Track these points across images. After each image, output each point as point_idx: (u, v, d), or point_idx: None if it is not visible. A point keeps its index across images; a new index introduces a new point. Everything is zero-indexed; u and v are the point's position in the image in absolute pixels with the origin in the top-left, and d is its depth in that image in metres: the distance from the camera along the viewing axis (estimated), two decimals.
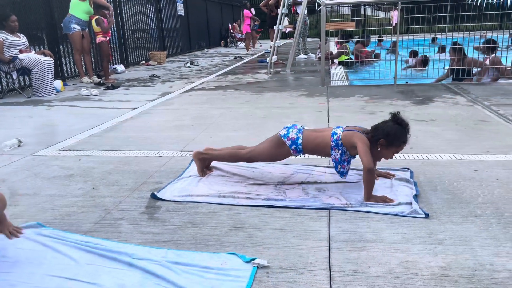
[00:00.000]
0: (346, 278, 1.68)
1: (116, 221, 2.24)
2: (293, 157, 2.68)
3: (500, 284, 1.60)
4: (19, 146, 3.73)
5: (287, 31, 13.66)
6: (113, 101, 5.99)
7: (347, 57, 8.94)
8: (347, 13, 22.20)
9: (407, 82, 6.66)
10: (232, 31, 19.41)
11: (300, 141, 2.53)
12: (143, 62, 11.53)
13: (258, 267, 1.76)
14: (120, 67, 9.67)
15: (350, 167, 2.66)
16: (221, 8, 20.12)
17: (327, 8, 7.02)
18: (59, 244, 1.96)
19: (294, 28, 9.81)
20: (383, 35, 12.46)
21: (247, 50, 14.69)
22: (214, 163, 2.92)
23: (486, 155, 3.06)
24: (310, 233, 2.04)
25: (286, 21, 9.84)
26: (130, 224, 2.20)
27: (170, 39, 14.12)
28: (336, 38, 10.56)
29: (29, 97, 6.42)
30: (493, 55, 6.52)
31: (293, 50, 8.56)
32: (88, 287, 1.67)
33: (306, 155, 3.20)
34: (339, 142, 2.46)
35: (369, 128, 2.58)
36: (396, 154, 3.13)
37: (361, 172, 2.44)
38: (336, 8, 22.53)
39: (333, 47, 11.71)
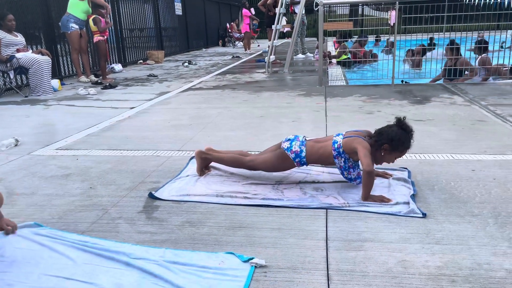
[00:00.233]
0: (343, 277, 1.68)
1: (114, 221, 2.24)
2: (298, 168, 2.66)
3: (497, 284, 1.61)
4: (16, 145, 3.72)
5: (285, 31, 13.67)
6: (110, 100, 5.98)
7: (346, 56, 8.95)
8: (345, 13, 22.23)
9: (402, 81, 6.67)
10: (230, 30, 19.40)
11: (304, 154, 2.53)
12: (141, 61, 11.52)
13: (256, 266, 1.76)
14: (117, 67, 9.65)
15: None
16: (219, 7, 20.11)
17: (325, 8, 7.01)
18: (56, 243, 1.96)
19: (292, 27, 9.82)
20: (380, 35, 12.48)
21: (245, 50, 14.69)
22: (212, 163, 2.92)
23: (483, 155, 3.07)
24: (308, 233, 2.04)
25: (284, 20, 9.86)
26: (127, 224, 2.20)
27: (168, 38, 14.11)
28: (334, 38, 10.56)
29: (26, 96, 6.41)
30: (484, 55, 6.55)
31: (291, 50, 8.57)
32: (85, 287, 1.67)
33: None
34: (341, 150, 2.46)
35: (367, 129, 2.60)
36: None
37: (361, 172, 2.45)
38: (334, 8, 22.55)
39: (331, 47, 11.72)
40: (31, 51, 6.78)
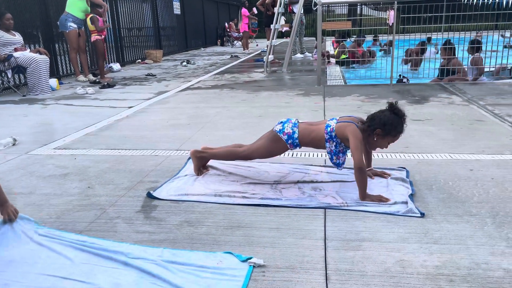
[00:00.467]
0: (342, 277, 1.68)
1: (112, 220, 2.24)
2: (290, 151, 2.67)
3: (495, 283, 1.61)
4: (14, 144, 3.71)
5: (283, 30, 13.67)
6: (108, 99, 5.98)
7: (344, 56, 8.96)
8: (343, 13, 22.24)
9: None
10: (228, 30, 19.39)
11: (296, 135, 2.54)
12: (139, 60, 11.50)
13: (254, 266, 1.76)
14: (116, 66, 9.64)
15: (347, 166, 2.67)
16: (218, 6, 20.10)
17: (324, 8, 7.02)
18: (54, 243, 1.95)
19: (291, 27, 9.81)
20: (379, 35, 12.49)
21: (244, 49, 14.68)
22: (210, 162, 2.92)
23: (481, 155, 3.07)
24: (306, 232, 2.04)
25: (282, 20, 9.84)
26: (126, 223, 2.20)
27: (166, 37, 14.09)
28: (333, 37, 10.57)
29: (24, 96, 6.39)
30: (477, 54, 6.57)
31: (289, 49, 8.57)
32: (83, 287, 1.66)
33: (303, 154, 3.21)
34: (333, 134, 2.46)
35: (361, 116, 2.59)
36: (392, 154, 3.15)
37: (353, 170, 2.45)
38: (333, 7, 22.56)
39: (329, 47, 11.72)
40: (29, 50, 6.76)
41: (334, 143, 2.48)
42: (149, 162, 3.14)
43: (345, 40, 9.66)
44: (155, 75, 8.53)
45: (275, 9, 8.75)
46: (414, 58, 8.16)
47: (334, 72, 8.22)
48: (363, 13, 22.01)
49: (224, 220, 2.20)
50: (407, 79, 6.73)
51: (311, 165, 2.94)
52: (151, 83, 7.54)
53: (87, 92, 6.47)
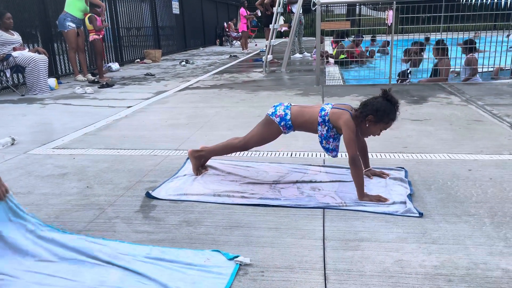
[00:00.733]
0: (340, 277, 1.68)
1: (111, 220, 2.24)
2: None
3: (494, 283, 1.61)
4: (12, 144, 3.71)
5: (282, 30, 13.67)
6: (107, 99, 5.97)
7: (343, 56, 8.97)
8: (342, 13, 22.25)
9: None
10: (227, 29, 19.38)
11: (288, 117, 2.54)
12: (138, 60, 11.49)
13: (240, 264, 1.77)
14: (114, 65, 9.63)
15: (345, 166, 2.67)
16: (217, 6, 20.09)
17: (322, 8, 7.02)
18: (41, 240, 1.94)
19: (289, 27, 9.81)
20: (378, 35, 12.50)
21: (243, 49, 14.68)
22: (209, 162, 2.92)
23: (480, 155, 3.08)
24: (305, 232, 2.04)
25: (281, 20, 9.85)
26: (124, 223, 2.20)
27: (165, 37, 14.08)
28: (332, 37, 10.57)
29: (23, 95, 6.38)
30: (470, 55, 6.60)
31: (288, 49, 8.57)
32: (69, 284, 1.66)
33: (302, 154, 3.21)
34: (326, 118, 2.46)
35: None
36: (391, 154, 3.15)
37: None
38: (332, 7, 22.56)
39: (328, 46, 11.73)
40: (27, 49, 6.75)
41: (326, 127, 2.48)
42: (148, 162, 3.14)
43: (343, 40, 9.66)
44: (154, 75, 8.52)
45: (274, 9, 8.76)
46: (413, 58, 8.17)
47: (333, 72, 8.23)
48: (362, 13, 22.02)
49: (223, 220, 2.20)
50: (411, 72, 6.78)
51: (310, 165, 2.94)
52: (150, 82, 7.54)
53: (86, 92, 6.46)
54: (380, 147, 3.29)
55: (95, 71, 8.53)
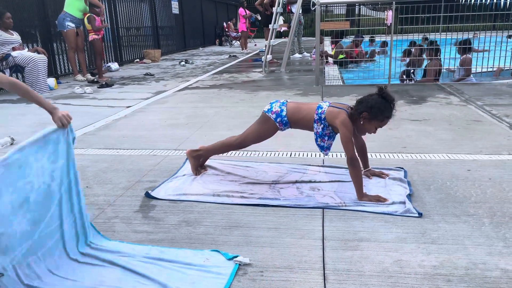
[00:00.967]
0: (340, 277, 1.68)
1: (110, 220, 2.23)
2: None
3: (493, 283, 1.61)
4: (12, 144, 3.71)
5: (281, 30, 13.66)
6: (107, 99, 5.97)
7: (342, 56, 8.97)
8: (341, 13, 22.24)
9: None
10: (227, 29, 19.38)
11: (284, 113, 2.54)
12: (137, 60, 11.48)
13: (240, 264, 1.77)
14: (114, 65, 9.62)
15: (344, 166, 2.67)
16: (216, 6, 20.08)
17: (322, 8, 7.03)
18: None
19: (289, 27, 9.81)
20: (377, 35, 12.50)
21: (242, 49, 14.68)
22: (208, 162, 2.92)
23: (479, 155, 3.08)
24: (305, 232, 2.04)
25: (281, 20, 9.85)
26: (124, 223, 2.20)
27: (165, 37, 14.07)
28: (330, 37, 10.57)
29: None
30: (465, 55, 6.62)
31: (287, 49, 8.57)
32: (67, 283, 1.66)
33: (301, 153, 3.21)
34: (323, 116, 2.47)
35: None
36: (390, 154, 3.15)
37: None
38: (331, 7, 22.56)
39: (328, 47, 11.73)
40: (27, 49, 6.75)
41: (322, 125, 2.48)
42: (148, 162, 3.14)
43: (341, 40, 9.66)
44: (153, 75, 8.52)
45: (274, 9, 8.76)
46: (412, 58, 8.17)
47: (333, 72, 8.23)
48: (361, 13, 22.03)
49: (222, 220, 2.20)
50: (414, 72, 6.81)
51: (309, 165, 2.94)
52: (150, 82, 7.53)
53: (85, 92, 6.46)
54: (379, 147, 3.30)
55: (94, 71, 8.52)
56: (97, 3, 7.93)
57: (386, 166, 2.86)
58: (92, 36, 7.88)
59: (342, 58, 8.83)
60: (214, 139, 3.65)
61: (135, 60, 11.45)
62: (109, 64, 9.61)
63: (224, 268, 1.74)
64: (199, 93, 6.18)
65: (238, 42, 17.08)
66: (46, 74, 6.70)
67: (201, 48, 16.84)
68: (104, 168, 3.05)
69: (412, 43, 8.18)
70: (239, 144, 2.72)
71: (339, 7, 22.09)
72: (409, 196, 2.38)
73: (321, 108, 2.48)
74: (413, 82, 6.75)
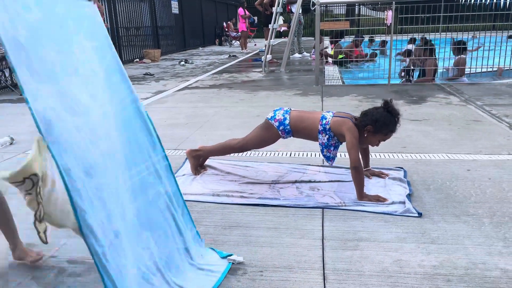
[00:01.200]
0: (339, 276, 1.68)
1: None
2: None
3: (492, 283, 1.61)
4: (11, 143, 3.70)
5: (281, 30, 13.66)
6: None
7: (342, 56, 8.97)
8: (341, 13, 22.24)
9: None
10: (227, 29, 19.38)
11: (287, 122, 2.54)
12: (137, 60, 11.48)
13: (233, 263, 1.76)
14: None
15: (345, 166, 2.67)
16: (216, 6, 20.09)
17: (322, 7, 7.03)
18: None
19: (289, 27, 9.81)
20: (377, 35, 12.50)
21: (242, 49, 14.68)
22: (208, 162, 2.92)
23: (478, 155, 3.08)
24: (304, 232, 2.04)
25: (280, 20, 9.84)
26: None
27: (165, 37, 14.07)
28: (329, 37, 10.56)
29: (21, 95, 6.36)
30: (459, 56, 6.63)
31: (287, 49, 8.57)
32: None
33: (300, 153, 3.21)
34: (327, 127, 2.46)
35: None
36: (390, 154, 3.15)
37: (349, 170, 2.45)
38: (331, 7, 22.56)
39: (328, 47, 11.73)
40: None
41: (327, 136, 2.48)
42: None
43: (339, 40, 9.66)
44: (153, 75, 8.52)
45: (273, 9, 8.76)
46: (411, 58, 8.17)
47: (332, 72, 8.23)
48: (361, 13, 22.02)
49: (222, 219, 2.20)
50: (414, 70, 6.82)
51: (309, 164, 2.94)
52: (149, 82, 7.53)
53: None
54: (379, 147, 3.28)
55: None
56: (96, 3, 7.93)
57: (385, 166, 2.86)
58: None
59: (341, 58, 8.83)
60: (214, 138, 3.66)
61: (135, 60, 11.45)
62: None
63: (217, 266, 1.74)
64: (198, 93, 6.18)
65: (238, 42, 17.07)
66: None
67: (200, 48, 16.85)
68: None
69: (413, 40, 8.19)
70: (240, 148, 2.72)
71: (339, 7, 22.08)
72: (409, 196, 2.38)
73: (325, 118, 2.48)
74: (411, 81, 6.75)
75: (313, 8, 6.60)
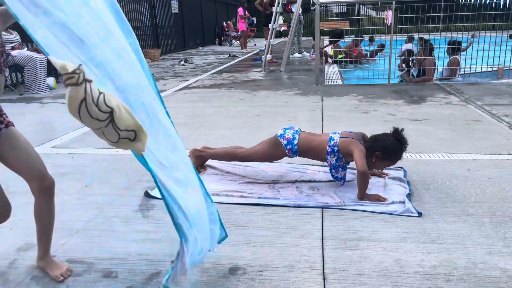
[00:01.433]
0: (339, 276, 1.68)
1: (110, 220, 2.23)
2: (288, 158, 2.68)
3: (492, 283, 1.61)
4: None
5: (281, 30, 13.66)
6: None
7: (341, 56, 8.97)
8: (341, 12, 22.24)
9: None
10: (226, 29, 19.38)
11: (295, 142, 2.55)
12: None
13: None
14: None
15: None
16: (216, 6, 20.09)
17: (322, 7, 7.03)
18: None
19: (289, 26, 9.81)
20: (377, 35, 12.50)
21: (242, 49, 14.68)
22: (208, 162, 2.92)
23: (478, 155, 3.08)
24: (304, 232, 2.04)
25: (280, 19, 9.84)
26: (123, 223, 2.19)
27: (164, 36, 14.07)
28: (329, 37, 10.56)
29: (21, 94, 6.37)
30: (453, 56, 6.64)
31: (287, 49, 8.57)
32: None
33: None
34: (336, 148, 2.48)
35: (362, 130, 2.61)
36: None
37: (355, 171, 2.45)
38: (331, 7, 22.56)
39: (328, 46, 11.72)
40: (26, 49, 6.73)
41: (335, 157, 2.49)
42: None
43: (338, 41, 9.65)
44: (153, 74, 8.51)
45: (273, 9, 8.76)
46: (410, 58, 8.17)
47: (332, 71, 8.23)
48: (361, 13, 22.02)
49: (222, 219, 2.20)
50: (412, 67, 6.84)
51: (309, 164, 2.94)
52: None
53: None
54: None
55: None
56: None
57: None
58: None
59: (341, 58, 8.82)
60: (214, 138, 3.66)
61: None
62: None
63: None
64: (198, 93, 6.18)
65: (237, 41, 17.07)
66: (46, 73, 6.69)
67: (200, 48, 16.84)
68: (103, 167, 3.05)
69: (411, 39, 8.18)
70: (243, 157, 2.72)
71: (339, 6, 22.08)
72: (409, 195, 2.38)
73: (333, 140, 2.50)
74: (410, 73, 6.76)
75: (313, 8, 6.59)
